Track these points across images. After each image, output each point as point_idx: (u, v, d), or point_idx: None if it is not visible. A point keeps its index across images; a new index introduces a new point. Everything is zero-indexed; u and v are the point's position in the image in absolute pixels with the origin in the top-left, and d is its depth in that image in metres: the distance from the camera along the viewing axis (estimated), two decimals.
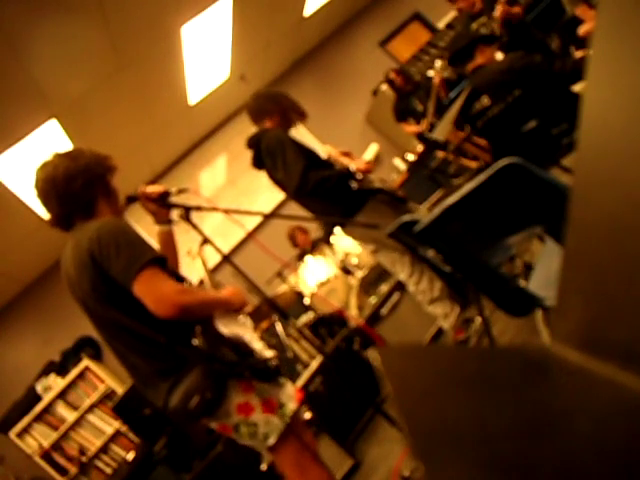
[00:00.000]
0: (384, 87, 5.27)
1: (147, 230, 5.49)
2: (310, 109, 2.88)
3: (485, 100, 2.80)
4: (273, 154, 2.52)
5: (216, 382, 1.41)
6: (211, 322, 1.50)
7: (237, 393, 1.44)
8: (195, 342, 1.44)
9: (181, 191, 1.80)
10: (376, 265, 3.76)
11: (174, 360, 1.44)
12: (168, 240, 1.78)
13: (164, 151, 5.66)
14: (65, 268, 1.53)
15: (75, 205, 1.55)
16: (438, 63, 4.24)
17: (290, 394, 1.56)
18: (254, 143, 2.65)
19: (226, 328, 1.51)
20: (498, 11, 3.68)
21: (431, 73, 4.26)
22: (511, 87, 2.66)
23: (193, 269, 1.97)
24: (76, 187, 1.53)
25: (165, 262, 1.44)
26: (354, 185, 2.50)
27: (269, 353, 1.58)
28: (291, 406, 1.51)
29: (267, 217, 5.49)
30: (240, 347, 1.51)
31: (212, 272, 5.01)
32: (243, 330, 1.57)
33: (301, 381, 3.00)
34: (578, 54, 3.08)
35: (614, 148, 0.37)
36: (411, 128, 4.81)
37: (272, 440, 1.44)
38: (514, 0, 3.98)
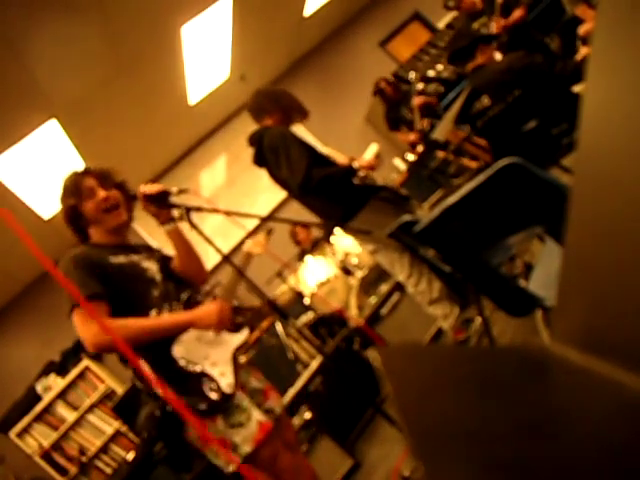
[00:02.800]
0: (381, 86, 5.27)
1: (147, 230, 5.50)
2: (310, 109, 2.87)
3: (485, 100, 2.80)
4: (276, 151, 2.50)
5: (160, 424, 1.51)
6: (165, 347, 1.49)
7: (192, 429, 1.50)
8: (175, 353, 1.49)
9: (181, 191, 1.79)
10: (376, 265, 3.76)
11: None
12: (178, 238, 1.75)
13: (164, 151, 5.66)
14: None
15: (75, 233, 1.72)
16: (413, 75, 4.27)
17: (248, 435, 1.48)
18: (256, 140, 2.63)
19: (182, 352, 1.48)
20: (495, 27, 3.74)
21: (419, 86, 4.30)
22: (511, 87, 2.66)
23: None
24: (67, 221, 1.71)
25: (106, 295, 1.49)
26: (357, 182, 2.49)
27: (226, 381, 1.49)
28: (246, 448, 1.46)
29: (264, 220, 5.48)
30: (187, 379, 1.47)
31: (211, 273, 4.98)
32: (206, 353, 1.52)
33: (301, 381, 3.00)
34: (584, 51, 3.07)
35: (614, 148, 0.37)
36: (405, 137, 4.84)
37: (231, 468, 1.49)
38: (516, 1, 3.99)
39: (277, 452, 1.53)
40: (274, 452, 1.53)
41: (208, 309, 1.53)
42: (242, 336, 1.63)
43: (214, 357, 1.53)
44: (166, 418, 1.46)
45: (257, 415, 1.52)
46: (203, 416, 1.45)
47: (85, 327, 1.43)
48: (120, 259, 1.59)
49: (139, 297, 1.55)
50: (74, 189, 1.68)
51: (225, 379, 1.49)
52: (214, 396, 1.46)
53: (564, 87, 2.54)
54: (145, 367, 1.47)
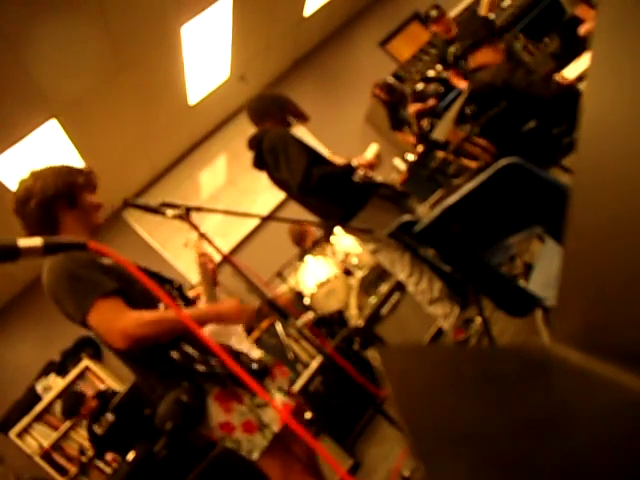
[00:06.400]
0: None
1: (147, 230, 5.50)
2: (310, 109, 2.87)
3: (472, 107, 2.81)
4: (275, 151, 2.50)
5: (187, 410, 1.42)
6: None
7: (218, 413, 1.46)
8: (174, 355, 1.43)
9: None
10: (376, 265, 3.75)
11: (156, 375, 1.48)
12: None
13: (164, 151, 5.66)
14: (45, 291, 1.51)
15: (35, 225, 1.53)
16: (421, 85, 4.30)
17: (274, 415, 1.51)
18: (255, 144, 2.64)
19: (209, 333, 1.52)
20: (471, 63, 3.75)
21: (419, 86, 4.32)
22: (496, 99, 2.65)
23: (192, 265, 1.91)
24: (31, 208, 1.52)
25: (123, 290, 1.42)
26: (357, 180, 2.49)
27: (257, 353, 1.61)
28: (274, 428, 1.49)
29: (265, 220, 5.49)
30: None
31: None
32: (229, 332, 1.58)
33: (301, 381, 2.99)
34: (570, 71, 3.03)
35: (614, 148, 0.37)
36: (407, 138, 4.87)
37: (256, 455, 1.46)
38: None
39: (294, 440, 1.56)
40: (292, 437, 1.56)
41: (232, 304, 1.53)
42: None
43: (235, 336, 1.59)
44: (194, 403, 1.43)
45: (279, 396, 1.59)
46: (235, 390, 1.48)
47: (115, 320, 1.34)
48: (106, 260, 1.51)
49: (141, 294, 1.50)
50: (85, 174, 1.62)
51: (255, 352, 1.59)
52: (254, 367, 1.54)
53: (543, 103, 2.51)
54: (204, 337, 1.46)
